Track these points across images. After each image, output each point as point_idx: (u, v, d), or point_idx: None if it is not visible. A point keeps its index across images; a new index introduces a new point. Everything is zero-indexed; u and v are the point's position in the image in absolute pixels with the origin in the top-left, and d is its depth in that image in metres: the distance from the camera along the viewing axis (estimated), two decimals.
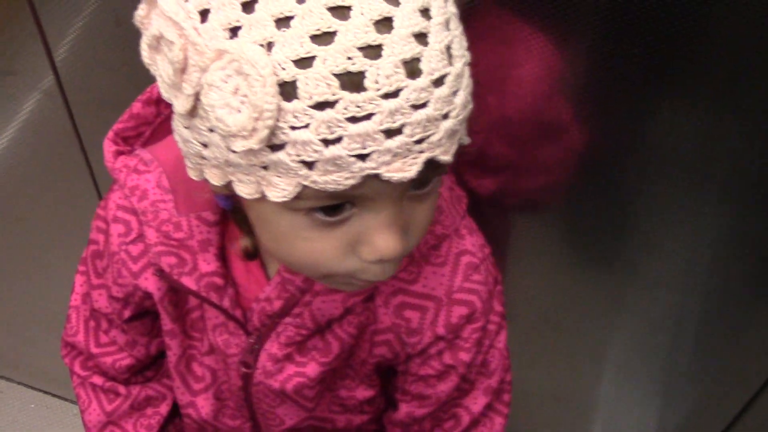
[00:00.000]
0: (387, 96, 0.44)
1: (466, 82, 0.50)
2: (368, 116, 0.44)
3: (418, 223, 0.55)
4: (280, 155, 0.46)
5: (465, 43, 0.50)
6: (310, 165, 0.45)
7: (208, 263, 0.67)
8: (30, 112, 1.04)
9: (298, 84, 0.43)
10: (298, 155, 0.45)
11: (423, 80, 0.45)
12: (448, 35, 0.47)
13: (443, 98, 0.46)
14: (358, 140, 0.44)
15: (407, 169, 0.46)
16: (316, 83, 0.43)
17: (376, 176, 0.46)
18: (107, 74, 0.93)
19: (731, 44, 0.65)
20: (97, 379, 0.83)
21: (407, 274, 0.69)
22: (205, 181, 0.54)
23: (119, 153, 0.70)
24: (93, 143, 1.06)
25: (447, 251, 0.70)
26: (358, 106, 0.43)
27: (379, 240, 0.51)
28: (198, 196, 0.65)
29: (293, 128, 0.44)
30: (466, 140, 0.52)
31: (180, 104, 0.48)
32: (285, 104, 0.44)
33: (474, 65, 0.51)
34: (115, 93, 0.93)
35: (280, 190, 0.48)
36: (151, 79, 0.50)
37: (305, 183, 0.46)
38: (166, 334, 0.75)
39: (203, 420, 0.81)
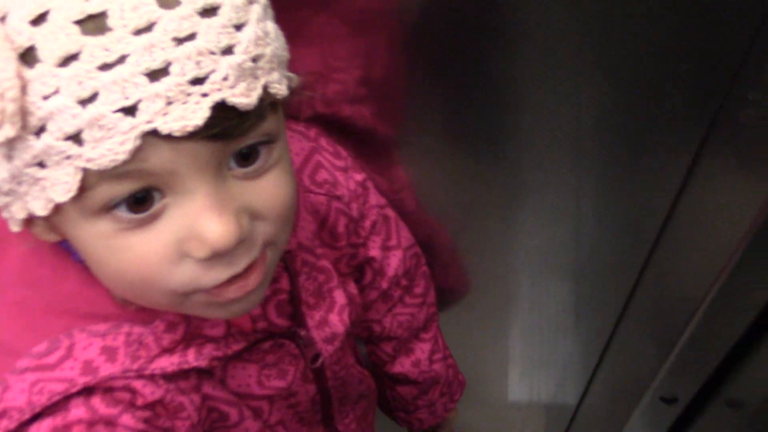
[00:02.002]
0: (139, 32, 0.39)
1: (259, 17, 0.45)
2: (121, 59, 0.39)
3: (270, 206, 0.49)
4: (46, 139, 0.40)
5: None
6: (77, 139, 0.40)
7: (215, 326, 0.59)
8: None
9: (37, 44, 0.38)
10: (61, 129, 0.40)
11: (183, 9, 0.40)
12: None
13: (218, 29, 0.41)
14: (115, 90, 0.39)
15: (190, 116, 0.40)
16: (54, 37, 0.38)
17: (157, 134, 0.40)
18: None
19: None
20: None
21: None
22: (29, 230, 0.48)
23: None
24: None
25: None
26: (106, 50, 0.38)
27: (200, 228, 0.44)
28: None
29: (45, 98, 0.39)
30: (281, 88, 0.47)
31: None
32: (29, 72, 0.39)
33: None
34: None
35: (62, 184, 0.41)
36: None
37: (81, 164, 0.40)
38: None
39: None
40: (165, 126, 0.40)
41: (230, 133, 0.44)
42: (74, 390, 0.52)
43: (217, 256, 0.46)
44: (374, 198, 0.80)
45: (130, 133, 0.40)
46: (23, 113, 0.39)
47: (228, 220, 0.45)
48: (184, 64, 0.40)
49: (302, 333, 0.68)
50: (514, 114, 0.80)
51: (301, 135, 0.73)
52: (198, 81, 0.41)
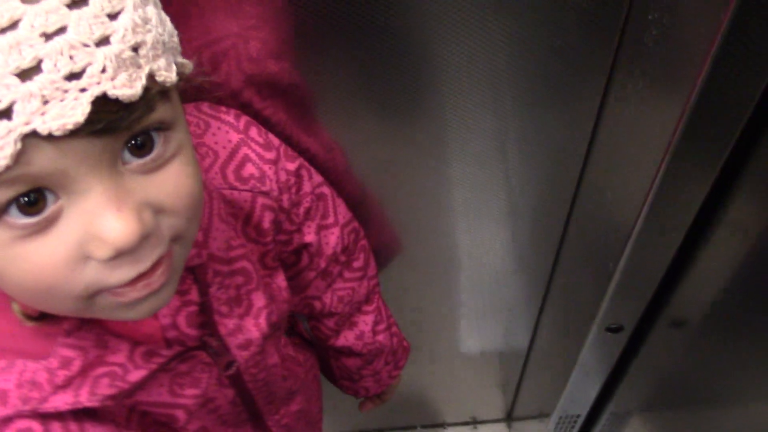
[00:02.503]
0: (2, 30, 0.37)
1: (136, 4, 0.43)
2: None
3: (174, 197, 0.47)
4: None
5: None
6: None
7: (118, 351, 0.58)
8: None
9: None
10: None
11: (48, 3, 0.38)
12: None
13: (89, 20, 0.39)
14: None
15: (69, 113, 0.38)
16: None
17: (38, 135, 0.38)
18: None
19: None
20: None
21: (208, 163, 0.66)
22: None
23: None
24: None
25: (198, 119, 0.68)
26: None
27: (99, 228, 0.42)
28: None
29: None
30: (170, 75, 0.44)
31: None
32: None
33: None
34: None
35: None
36: None
37: None
38: None
39: None
40: (44, 126, 0.38)
41: (116, 127, 0.41)
42: None
43: (121, 255, 0.44)
44: (308, 184, 0.78)
45: (8, 137, 0.37)
46: None
47: (128, 216, 0.43)
48: (56, 59, 0.38)
49: (213, 343, 0.67)
50: (428, 66, 0.79)
51: (229, 126, 0.70)
52: (74, 76, 0.38)
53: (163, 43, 0.45)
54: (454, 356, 1.38)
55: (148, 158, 0.45)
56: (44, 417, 0.55)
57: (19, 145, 0.38)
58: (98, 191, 0.42)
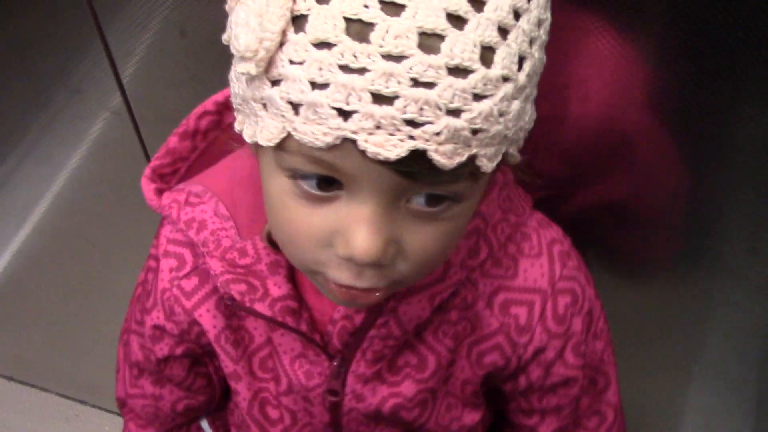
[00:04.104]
0: (388, 57, 0.41)
1: (507, 96, 0.45)
2: (361, 71, 0.42)
3: (418, 249, 0.51)
4: (275, 92, 0.45)
5: (528, 68, 0.47)
6: (296, 108, 0.44)
7: (279, 287, 0.64)
8: (99, 131, 1.04)
9: (310, 18, 0.43)
10: (288, 93, 0.44)
11: (436, 58, 0.42)
12: (498, 39, 0.44)
13: (458, 90, 0.43)
14: (342, 92, 0.42)
15: (388, 148, 0.43)
16: (324, 20, 0.42)
17: (356, 145, 0.43)
18: (174, 90, 0.93)
19: None
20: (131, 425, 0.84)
21: (504, 270, 0.67)
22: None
23: (159, 191, 0.69)
24: None
25: (538, 242, 0.68)
26: (355, 56, 0.42)
27: (353, 233, 0.48)
28: (260, 217, 0.63)
29: (291, 62, 0.44)
30: (488, 165, 0.47)
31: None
32: (292, 35, 0.43)
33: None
34: (182, 109, 0.93)
35: (268, 132, 0.47)
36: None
37: (289, 129, 0.45)
38: (229, 377, 0.72)
39: None
40: (364, 144, 0.43)
41: (417, 179, 0.46)
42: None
43: (350, 262, 0.50)
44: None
45: (335, 132, 0.43)
46: (270, 63, 0.45)
47: (377, 240, 0.48)
48: (408, 104, 0.42)
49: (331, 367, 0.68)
50: None
51: (550, 263, 0.68)
52: (412, 124, 0.42)
53: (504, 137, 0.47)
54: None
55: (429, 210, 0.49)
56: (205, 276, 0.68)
57: (337, 141, 0.43)
58: (372, 208, 0.47)
